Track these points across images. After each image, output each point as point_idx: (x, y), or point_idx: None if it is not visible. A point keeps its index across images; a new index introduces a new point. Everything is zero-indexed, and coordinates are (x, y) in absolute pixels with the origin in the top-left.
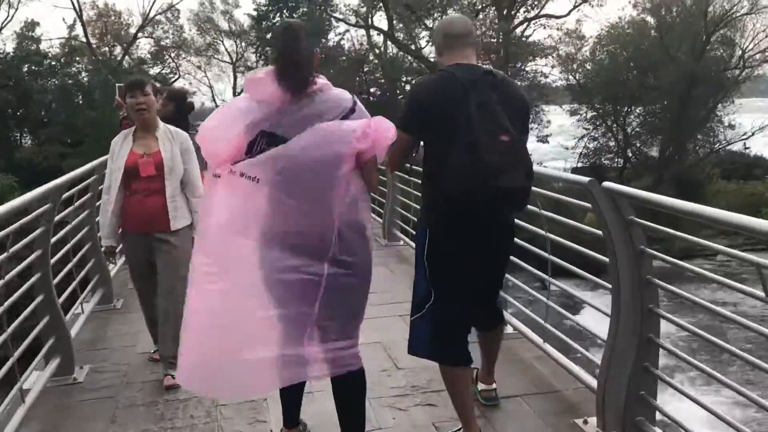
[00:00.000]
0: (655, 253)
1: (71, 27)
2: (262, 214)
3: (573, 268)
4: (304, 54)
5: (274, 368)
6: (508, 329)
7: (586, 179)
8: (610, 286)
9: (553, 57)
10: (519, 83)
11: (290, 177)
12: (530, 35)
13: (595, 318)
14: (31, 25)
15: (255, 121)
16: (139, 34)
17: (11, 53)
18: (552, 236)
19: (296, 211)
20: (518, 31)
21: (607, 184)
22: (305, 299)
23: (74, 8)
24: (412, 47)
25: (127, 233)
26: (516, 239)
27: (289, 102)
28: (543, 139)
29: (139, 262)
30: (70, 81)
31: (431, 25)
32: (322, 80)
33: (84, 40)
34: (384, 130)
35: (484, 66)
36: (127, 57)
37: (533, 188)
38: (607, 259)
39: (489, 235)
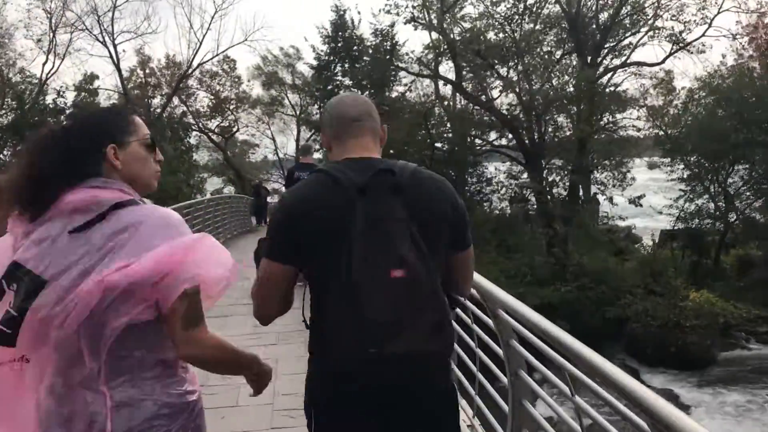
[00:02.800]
0: None
1: (128, 78)
2: None
3: None
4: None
5: None
6: None
7: None
8: None
9: (642, 109)
10: (601, 136)
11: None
12: (619, 84)
13: None
14: (90, 78)
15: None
16: (195, 85)
17: (61, 105)
18: None
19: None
20: (603, 80)
21: None
22: None
23: (111, 58)
24: (483, 98)
25: None
26: None
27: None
28: (635, 201)
29: None
30: None
31: (506, 74)
32: (107, 192)
33: (135, 92)
34: (200, 260)
35: (383, 161)
36: (183, 109)
37: None
38: None
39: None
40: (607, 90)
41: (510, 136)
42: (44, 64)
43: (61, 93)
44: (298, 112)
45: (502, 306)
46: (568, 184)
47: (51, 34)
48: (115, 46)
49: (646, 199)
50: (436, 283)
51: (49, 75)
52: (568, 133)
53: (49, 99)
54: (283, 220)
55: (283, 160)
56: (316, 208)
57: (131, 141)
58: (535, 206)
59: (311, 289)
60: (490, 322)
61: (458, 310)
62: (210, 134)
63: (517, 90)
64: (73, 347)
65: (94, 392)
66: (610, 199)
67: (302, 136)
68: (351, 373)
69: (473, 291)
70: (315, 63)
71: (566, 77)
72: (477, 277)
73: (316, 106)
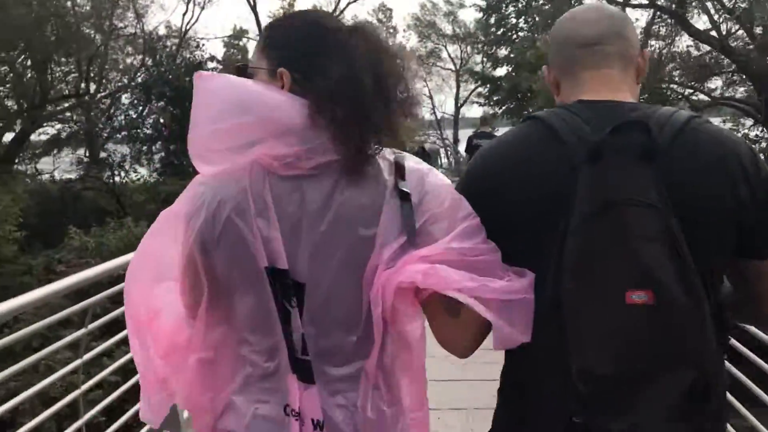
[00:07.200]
0: None
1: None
2: None
3: None
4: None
5: None
6: None
7: None
8: None
9: None
10: None
11: None
12: None
13: None
14: (240, 32)
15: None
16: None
17: (199, 58)
18: None
19: None
20: None
21: None
22: None
23: (249, 2)
24: (715, 35)
25: None
26: None
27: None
28: None
29: None
30: None
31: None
32: None
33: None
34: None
35: (637, 106)
36: None
37: None
38: None
39: None
40: None
41: (742, 81)
42: (184, 15)
43: (201, 46)
44: (457, 66)
45: None
46: None
47: None
48: None
49: None
50: (705, 316)
51: (190, 25)
52: None
53: (187, 53)
54: (464, 189)
55: (441, 120)
56: (517, 173)
57: None
58: None
59: None
60: None
61: None
62: None
63: (749, 25)
64: None
65: None
66: None
67: (461, 93)
68: None
69: None
70: (483, 3)
71: None
72: None
73: (479, 57)
